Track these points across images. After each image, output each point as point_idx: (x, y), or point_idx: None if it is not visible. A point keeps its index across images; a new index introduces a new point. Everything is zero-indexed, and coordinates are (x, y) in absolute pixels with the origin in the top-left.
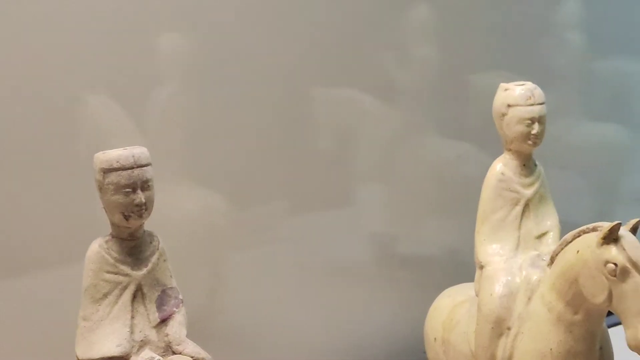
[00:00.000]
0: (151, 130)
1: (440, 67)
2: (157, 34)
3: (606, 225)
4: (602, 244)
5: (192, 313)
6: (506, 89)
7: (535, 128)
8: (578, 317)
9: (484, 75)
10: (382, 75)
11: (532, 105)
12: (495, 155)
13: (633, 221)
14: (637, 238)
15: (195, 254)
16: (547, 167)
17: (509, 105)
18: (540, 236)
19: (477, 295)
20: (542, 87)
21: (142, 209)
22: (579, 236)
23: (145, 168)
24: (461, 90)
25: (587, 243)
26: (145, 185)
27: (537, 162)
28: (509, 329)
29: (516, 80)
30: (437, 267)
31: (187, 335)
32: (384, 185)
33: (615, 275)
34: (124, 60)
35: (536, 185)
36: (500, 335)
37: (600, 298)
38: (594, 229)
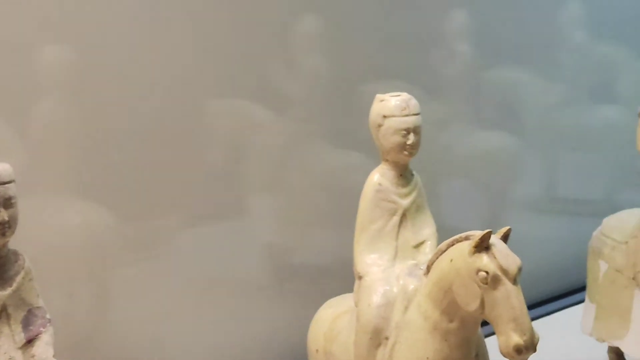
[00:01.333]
0: (32, 144)
1: (330, 77)
2: (36, 45)
3: (477, 234)
4: (474, 253)
5: (77, 331)
6: (382, 100)
7: (411, 138)
8: (453, 325)
9: (374, 86)
10: (272, 85)
11: (407, 115)
12: None
13: (504, 229)
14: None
15: (79, 270)
16: (438, 175)
17: (384, 116)
18: (418, 245)
19: (356, 306)
20: (432, 97)
21: (5, 228)
22: (452, 245)
23: (7, 185)
24: (352, 100)
25: (460, 252)
26: (7, 202)
27: (414, 172)
28: (386, 338)
29: (407, 90)
30: (328, 277)
31: (58, 355)
32: (275, 196)
33: (487, 283)
34: (2, 73)
35: (413, 195)
36: (378, 345)
37: (473, 306)
38: (467, 238)
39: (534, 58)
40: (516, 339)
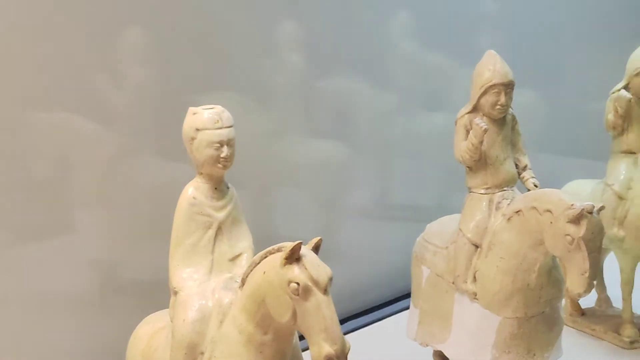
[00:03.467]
0: None
1: (158, 89)
2: None
3: (288, 246)
4: (285, 264)
5: None
6: (194, 113)
7: (225, 151)
8: (268, 337)
9: (205, 97)
10: (97, 98)
11: (220, 128)
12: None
13: (314, 240)
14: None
15: None
16: (272, 185)
17: (197, 129)
18: (234, 258)
19: (171, 321)
20: (264, 107)
21: None
22: (266, 257)
23: None
24: (181, 112)
25: (273, 264)
26: None
27: (229, 185)
28: (202, 353)
29: (239, 101)
30: (156, 292)
31: None
32: (102, 211)
33: (298, 294)
34: None
35: (229, 208)
36: None
37: (285, 317)
38: (279, 250)
39: (365, 67)
40: (327, 348)
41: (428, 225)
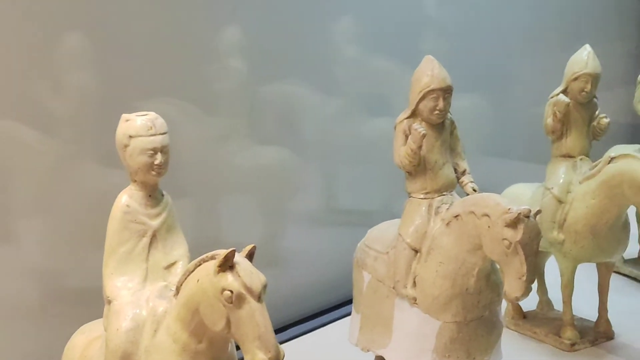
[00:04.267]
0: None
1: (99, 95)
2: None
3: (222, 253)
4: (219, 272)
5: None
6: (127, 120)
7: (158, 158)
8: (202, 345)
9: (146, 103)
10: (37, 105)
11: (153, 135)
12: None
13: (248, 247)
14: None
15: None
16: (217, 191)
17: (130, 137)
18: (169, 266)
19: (105, 331)
20: (208, 113)
21: None
22: (200, 265)
23: None
24: None
25: (206, 271)
26: None
27: (164, 192)
28: None
29: (182, 106)
30: (99, 300)
31: None
32: (44, 219)
33: (232, 302)
34: None
35: (163, 216)
36: None
37: (219, 325)
38: (213, 257)
39: (309, 72)
40: (261, 356)
41: (369, 230)
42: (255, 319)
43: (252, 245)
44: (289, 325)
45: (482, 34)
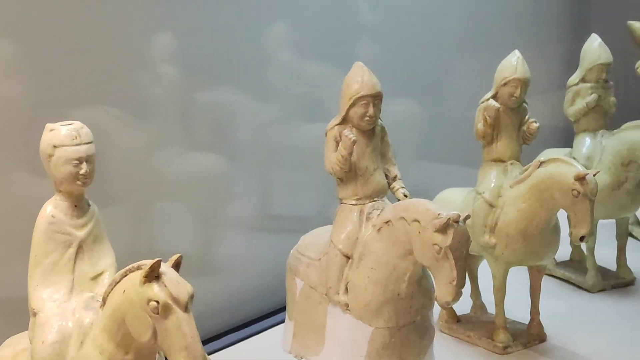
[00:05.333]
0: None
1: (28, 102)
2: None
3: (148, 263)
4: (145, 282)
5: None
6: (51, 130)
7: (84, 168)
8: (129, 357)
9: (78, 111)
10: None
11: (78, 145)
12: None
13: (175, 257)
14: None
15: None
16: (149, 199)
17: (54, 146)
18: (96, 277)
19: (31, 343)
20: (140, 120)
21: None
22: (126, 275)
23: None
24: None
25: (132, 282)
26: None
27: (90, 202)
28: None
29: (115, 114)
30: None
31: None
32: None
33: (158, 313)
34: None
35: (90, 226)
36: None
37: (146, 337)
38: (139, 268)
39: (244, 78)
40: None
41: (302, 237)
42: (182, 330)
43: (179, 254)
44: (224, 333)
45: (415, 40)
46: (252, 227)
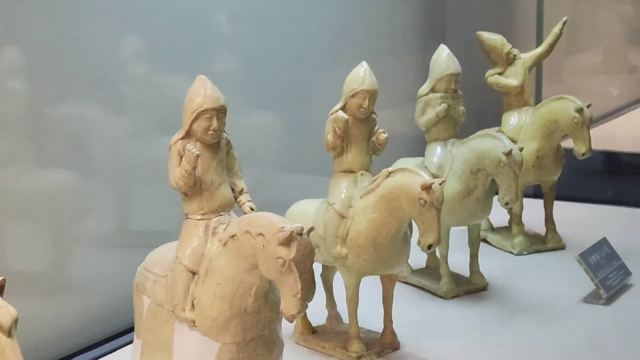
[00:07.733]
0: None
1: None
2: None
3: None
4: None
5: None
6: None
7: None
8: None
9: None
10: None
11: None
12: None
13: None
14: None
15: None
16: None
17: None
18: None
19: None
20: None
21: None
22: None
23: None
24: None
25: None
26: None
27: None
28: None
29: None
30: None
31: None
32: None
33: None
34: None
35: None
36: None
37: None
38: None
39: (96, 92)
40: None
41: (149, 253)
42: (5, 356)
43: (2, 278)
44: (74, 354)
45: (274, 51)
46: (107, 243)
